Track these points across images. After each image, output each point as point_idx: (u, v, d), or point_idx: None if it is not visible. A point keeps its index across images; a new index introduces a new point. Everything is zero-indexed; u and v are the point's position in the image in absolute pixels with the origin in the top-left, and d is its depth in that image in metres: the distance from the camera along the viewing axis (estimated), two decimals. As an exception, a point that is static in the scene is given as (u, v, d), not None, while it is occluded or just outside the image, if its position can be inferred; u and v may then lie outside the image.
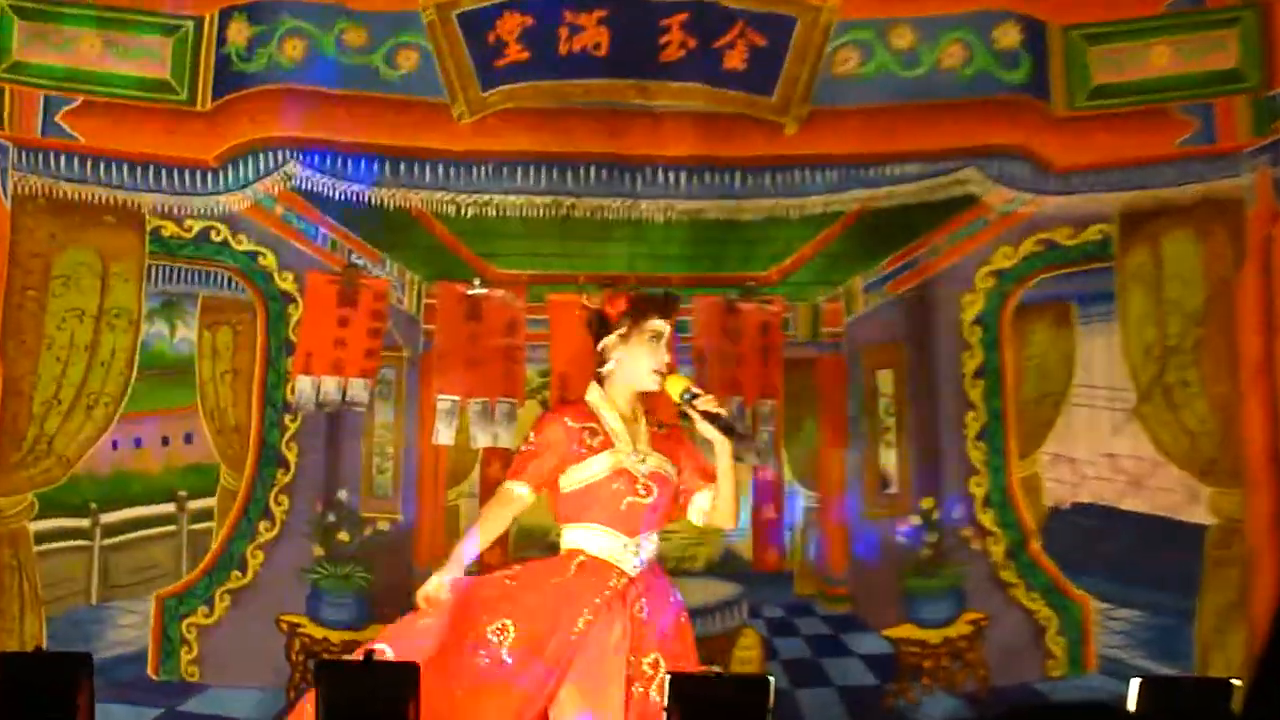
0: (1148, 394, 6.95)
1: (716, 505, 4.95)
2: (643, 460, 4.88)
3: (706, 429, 4.83)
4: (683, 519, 5.01)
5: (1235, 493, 6.80)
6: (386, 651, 4.74)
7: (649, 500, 4.86)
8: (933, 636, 7.00)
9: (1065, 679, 6.88)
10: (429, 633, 4.78)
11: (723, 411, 4.88)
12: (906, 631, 7.03)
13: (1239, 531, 6.77)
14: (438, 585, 4.83)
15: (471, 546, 4.94)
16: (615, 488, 4.86)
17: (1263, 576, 6.68)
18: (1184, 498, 6.87)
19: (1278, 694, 5.84)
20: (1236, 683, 4.98)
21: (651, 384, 4.91)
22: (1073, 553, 6.98)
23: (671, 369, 4.92)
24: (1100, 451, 7.00)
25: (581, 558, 4.84)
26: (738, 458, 4.93)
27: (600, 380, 4.95)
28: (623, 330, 4.91)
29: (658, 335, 4.93)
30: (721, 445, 4.85)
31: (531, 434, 4.92)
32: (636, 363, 4.91)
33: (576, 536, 4.87)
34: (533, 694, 4.68)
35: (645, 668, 4.78)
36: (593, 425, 4.92)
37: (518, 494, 4.90)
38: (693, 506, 4.98)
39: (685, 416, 4.92)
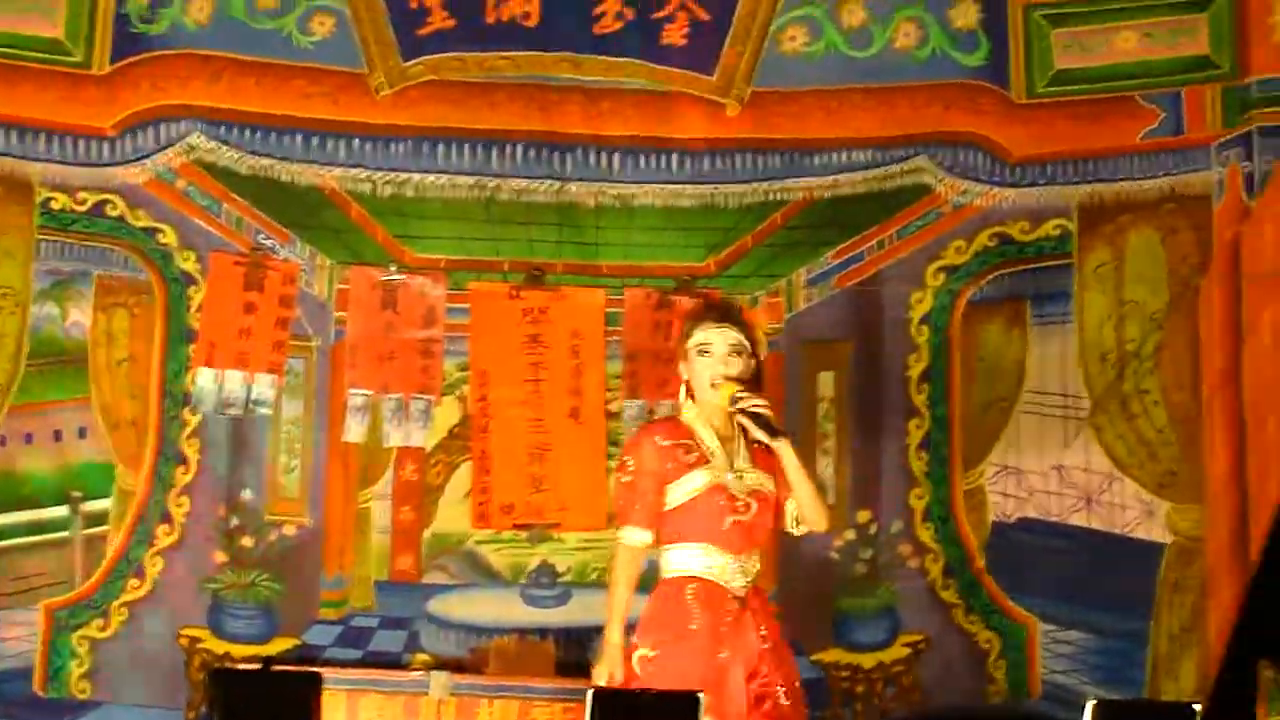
0: (1103, 402, 6.59)
1: (801, 509, 4.92)
2: (740, 476, 4.88)
3: (756, 431, 4.83)
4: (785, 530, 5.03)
5: (1194, 509, 6.45)
6: None
7: (748, 517, 4.86)
8: (866, 660, 6.63)
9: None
10: None
11: (764, 409, 4.82)
12: (837, 655, 6.65)
13: (1197, 551, 6.42)
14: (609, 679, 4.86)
15: (619, 624, 4.88)
16: (719, 504, 4.86)
17: (1220, 599, 6.32)
18: (1139, 514, 6.53)
19: (1234, 720, 5.58)
20: (1197, 708, 4.80)
21: (714, 397, 4.90)
22: (1017, 571, 6.62)
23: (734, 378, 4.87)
24: (1050, 463, 6.63)
25: (694, 584, 4.84)
26: None
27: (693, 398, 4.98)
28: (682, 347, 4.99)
29: (704, 349, 4.91)
30: (780, 447, 4.83)
31: (628, 460, 4.90)
32: (697, 379, 4.93)
33: (680, 557, 4.88)
34: None
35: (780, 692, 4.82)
36: (687, 442, 4.91)
37: (632, 540, 4.91)
38: (786, 516, 4.98)
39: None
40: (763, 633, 4.84)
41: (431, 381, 6.75)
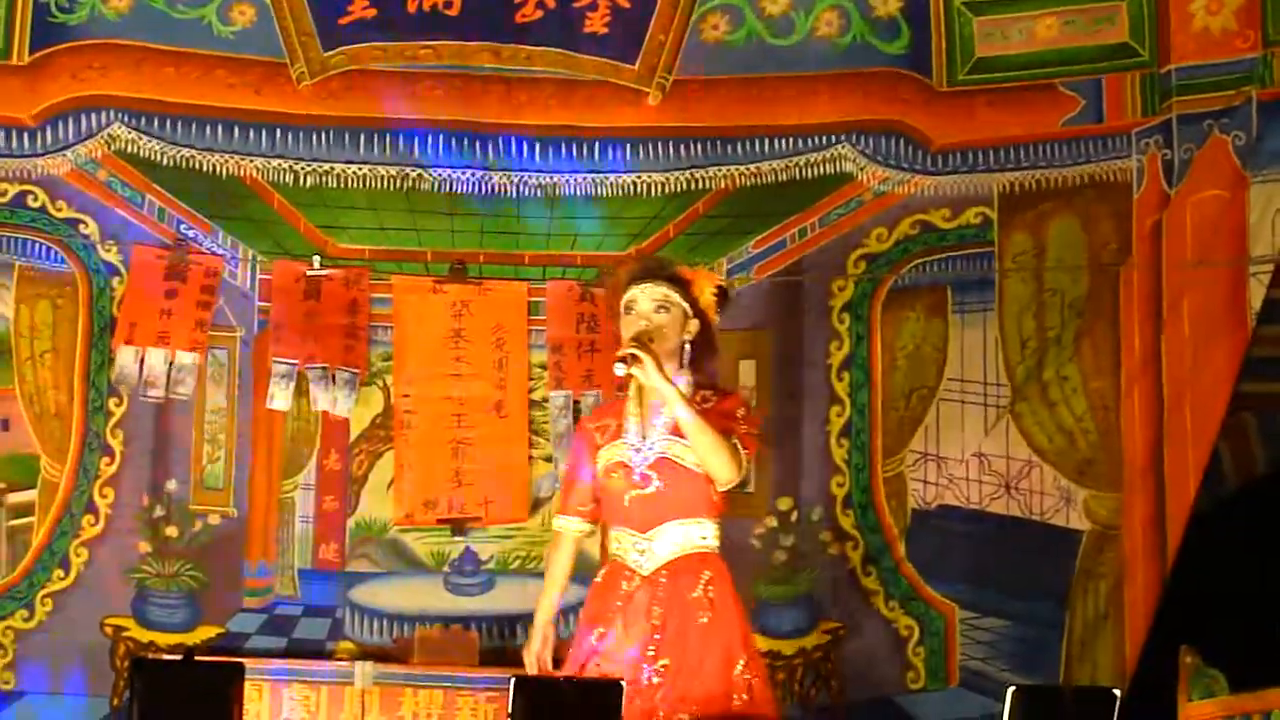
0: (1023, 389, 6.61)
1: (701, 462, 4.55)
2: (638, 449, 4.64)
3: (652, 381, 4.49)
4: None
5: (1112, 497, 6.48)
6: None
7: (649, 491, 4.62)
8: (786, 647, 6.63)
9: (925, 692, 6.57)
10: None
11: (632, 350, 4.48)
12: (758, 642, 6.56)
13: (1114, 538, 6.46)
14: (533, 662, 4.81)
15: (545, 606, 4.89)
16: (615, 482, 4.66)
17: (1136, 586, 6.38)
18: (1057, 501, 6.54)
19: (1155, 709, 5.61)
20: (1117, 693, 4.80)
21: None
22: (937, 559, 6.63)
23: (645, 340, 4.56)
24: (970, 451, 6.63)
25: (604, 569, 4.78)
26: None
27: None
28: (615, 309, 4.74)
29: (629, 306, 4.66)
30: (665, 391, 4.47)
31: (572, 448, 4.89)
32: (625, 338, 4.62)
33: (611, 539, 4.76)
34: None
35: (653, 676, 4.58)
36: (609, 421, 4.74)
37: (560, 528, 4.88)
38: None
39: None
40: (656, 613, 4.59)
41: (358, 359, 6.69)
